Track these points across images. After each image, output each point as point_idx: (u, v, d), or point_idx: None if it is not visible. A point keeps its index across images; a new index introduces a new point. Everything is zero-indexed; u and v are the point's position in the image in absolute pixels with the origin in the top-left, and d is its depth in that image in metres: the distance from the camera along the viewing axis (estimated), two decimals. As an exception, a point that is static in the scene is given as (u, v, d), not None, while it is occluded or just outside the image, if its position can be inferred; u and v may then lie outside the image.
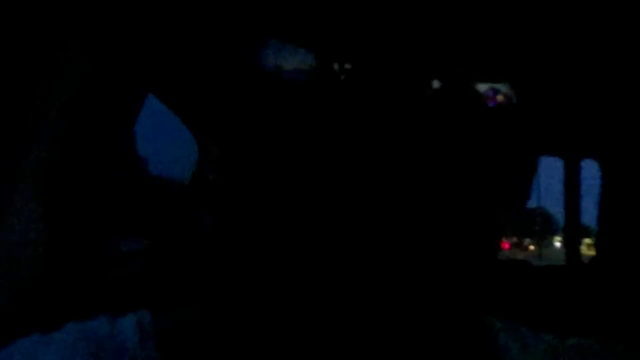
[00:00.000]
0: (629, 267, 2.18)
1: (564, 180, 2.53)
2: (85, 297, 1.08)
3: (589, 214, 2.59)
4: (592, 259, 2.50)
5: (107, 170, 1.27)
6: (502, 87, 0.52)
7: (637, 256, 2.17)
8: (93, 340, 0.58)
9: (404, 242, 0.47)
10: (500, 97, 0.51)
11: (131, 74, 1.26)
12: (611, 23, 1.46)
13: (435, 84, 0.48)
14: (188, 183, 1.80)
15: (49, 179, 1.12)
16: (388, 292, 0.48)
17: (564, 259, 2.66)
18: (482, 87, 0.51)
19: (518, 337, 0.57)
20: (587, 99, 1.92)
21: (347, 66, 0.48)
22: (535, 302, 2.04)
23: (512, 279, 2.18)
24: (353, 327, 0.49)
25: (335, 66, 0.48)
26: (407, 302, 0.48)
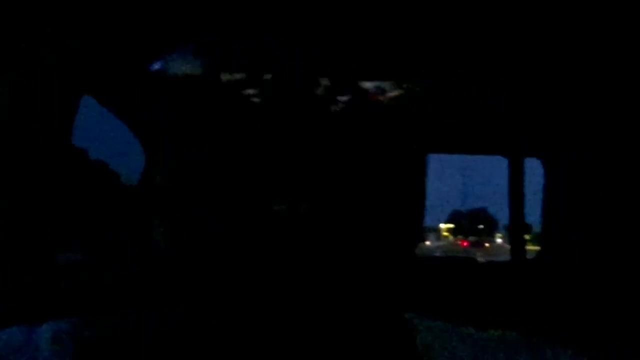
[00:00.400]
0: (572, 261, 2.18)
1: (508, 178, 2.53)
2: (10, 308, 1.02)
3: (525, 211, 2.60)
4: (536, 254, 2.51)
5: (43, 176, 1.19)
6: (388, 86, 0.50)
7: (580, 251, 2.18)
8: (5, 350, 0.55)
9: (308, 243, 0.46)
10: (385, 96, 0.49)
11: (65, 77, 1.20)
12: (554, 21, 1.44)
13: (325, 82, 0.47)
14: (136, 191, 1.71)
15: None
16: (304, 293, 0.46)
17: (508, 254, 2.67)
18: (368, 85, 0.49)
19: (438, 333, 0.56)
20: (532, 98, 1.91)
21: (239, 74, 0.47)
22: (472, 299, 2.02)
23: (453, 276, 2.17)
24: (272, 327, 0.47)
25: (226, 75, 0.48)
26: (323, 302, 0.47)
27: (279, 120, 0.46)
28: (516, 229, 2.57)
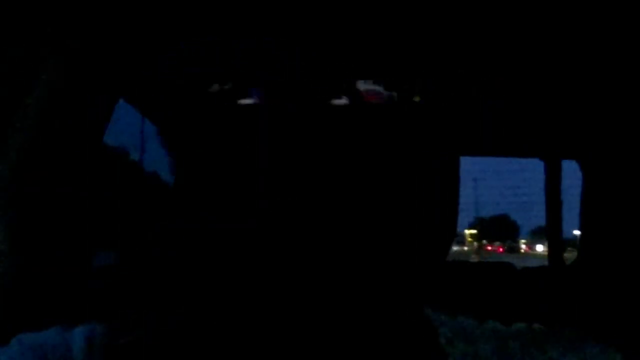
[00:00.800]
0: (612, 265, 2.08)
1: (544, 181, 2.42)
2: (49, 310, 1.03)
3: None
4: (576, 259, 2.40)
5: (79, 181, 1.18)
6: (378, 87, 0.49)
7: (620, 254, 2.08)
8: (40, 351, 0.57)
9: (334, 243, 0.45)
10: (377, 97, 0.49)
11: (101, 81, 1.18)
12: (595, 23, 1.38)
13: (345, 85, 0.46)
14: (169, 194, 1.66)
15: (20, 190, 1.04)
16: (335, 289, 0.46)
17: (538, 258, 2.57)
18: (363, 87, 0.48)
19: (462, 328, 0.55)
20: (569, 99, 1.82)
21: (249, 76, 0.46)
22: (514, 304, 1.93)
23: (487, 280, 2.09)
24: (300, 326, 0.47)
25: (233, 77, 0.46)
26: (351, 300, 0.47)
27: (317, 123, 0.45)
28: (554, 234, 2.46)
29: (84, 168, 1.19)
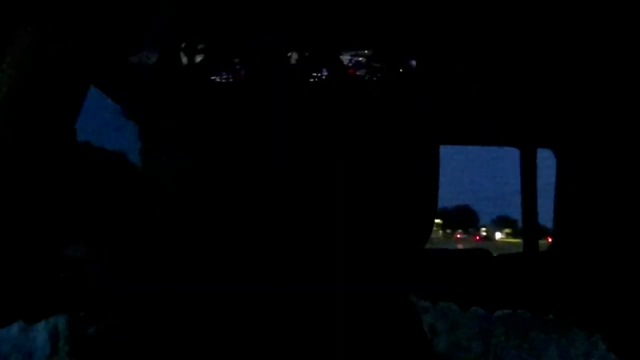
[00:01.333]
0: (587, 251, 2.06)
1: (520, 170, 2.38)
2: (17, 304, 0.98)
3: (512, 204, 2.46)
4: (550, 246, 2.39)
5: (50, 170, 1.13)
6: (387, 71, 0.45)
7: (593, 242, 2.06)
8: (1, 348, 0.55)
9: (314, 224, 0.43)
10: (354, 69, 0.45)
11: (72, 68, 1.14)
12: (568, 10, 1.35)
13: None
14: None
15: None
16: (312, 278, 0.44)
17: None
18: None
19: (446, 315, 0.54)
20: (544, 89, 1.78)
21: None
22: (493, 289, 1.90)
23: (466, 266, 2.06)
24: (280, 319, 0.44)
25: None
26: (332, 288, 0.44)
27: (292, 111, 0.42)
28: (528, 222, 2.43)
29: (55, 158, 1.15)
